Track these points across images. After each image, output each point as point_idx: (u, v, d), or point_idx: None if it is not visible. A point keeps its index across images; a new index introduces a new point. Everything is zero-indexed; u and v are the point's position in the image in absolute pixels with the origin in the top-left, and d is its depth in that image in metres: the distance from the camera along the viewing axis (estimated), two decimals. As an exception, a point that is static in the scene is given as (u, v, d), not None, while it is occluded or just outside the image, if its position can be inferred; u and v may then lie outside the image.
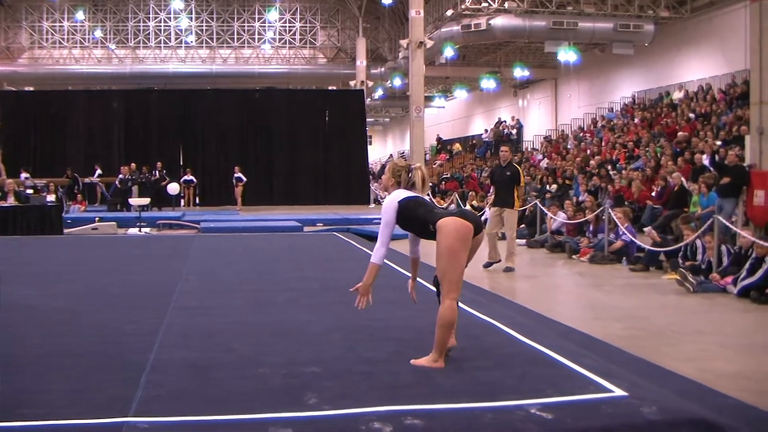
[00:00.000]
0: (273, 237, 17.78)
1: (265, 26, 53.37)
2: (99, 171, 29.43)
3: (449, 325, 5.68)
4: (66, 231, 19.49)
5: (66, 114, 32.78)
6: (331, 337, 6.77)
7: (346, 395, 4.91)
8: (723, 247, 11.46)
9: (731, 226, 12.17)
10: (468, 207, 22.98)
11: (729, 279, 10.59)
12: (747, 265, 10.38)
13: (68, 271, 12.07)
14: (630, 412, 4.62)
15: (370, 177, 37.42)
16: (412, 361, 5.70)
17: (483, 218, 21.32)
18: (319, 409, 4.64)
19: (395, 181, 6.13)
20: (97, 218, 21.35)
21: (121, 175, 27.28)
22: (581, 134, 34.90)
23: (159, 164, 29.40)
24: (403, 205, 5.89)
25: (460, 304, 8.25)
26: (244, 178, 30.13)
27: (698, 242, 11.98)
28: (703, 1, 31.91)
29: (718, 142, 19.76)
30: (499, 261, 13.23)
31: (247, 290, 9.67)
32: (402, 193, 5.98)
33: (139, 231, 20.13)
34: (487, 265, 13.19)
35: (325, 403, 4.75)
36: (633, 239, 13.78)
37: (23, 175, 27.01)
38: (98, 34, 51.27)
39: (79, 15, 50.53)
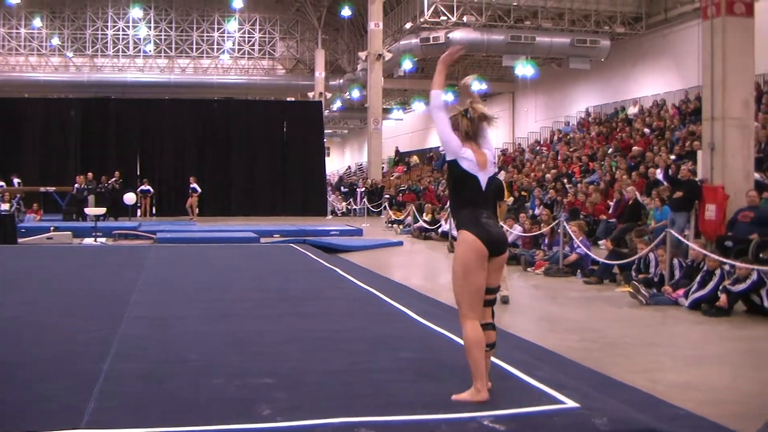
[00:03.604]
0: (230, 248, 17.69)
1: (224, 36, 53.26)
2: (17, 180, 28.87)
3: (478, 345, 5.06)
4: (20, 240, 19.24)
5: (22, 122, 32.35)
6: (285, 348, 6.76)
7: (300, 406, 4.91)
8: (675, 261, 11.61)
9: (683, 240, 12.33)
10: (423, 220, 23.04)
11: (681, 292, 10.73)
12: (698, 278, 10.53)
13: (22, 281, 11.91)
14: (582, 423, 4.67)
15: (328, 188, 37.43)
16: (454, 397, 5.09)
17: (440, 230, 21.51)
18: (273, 421, 4.64)
19: (458, 134, 5.20)
20: (52, 228, 21.10)
21: (77, 185, 27.00)
22: (538, 148, 35.17)
23: (117, 173, 29.10)
24: (460, 172, 5.21)
25: (415, 315, 8.31)
26: (199, 189, 29.95)
27: (651, 255, 12.12)
28: (658, 18, 32.44)
29: (672, 157, 20.02)
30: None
31: (202, 301, 9.62)
32: (466, 156, 5.17)
33: (95, 241, 19.94)
34: None
35: (279, 414, 4.74)
36: (587, 252, 13.90)
37: (15, 180, 26.88)
38: (55, 41, 50.85)
39: (36, 22, 50.09)
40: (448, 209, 21.11)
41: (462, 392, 5.08)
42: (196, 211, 29.97)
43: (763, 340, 8.65)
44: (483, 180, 5.21)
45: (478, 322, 5.10)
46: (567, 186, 22.81)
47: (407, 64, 36.66)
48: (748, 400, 6.12)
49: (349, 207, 36.71)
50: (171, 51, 52.61)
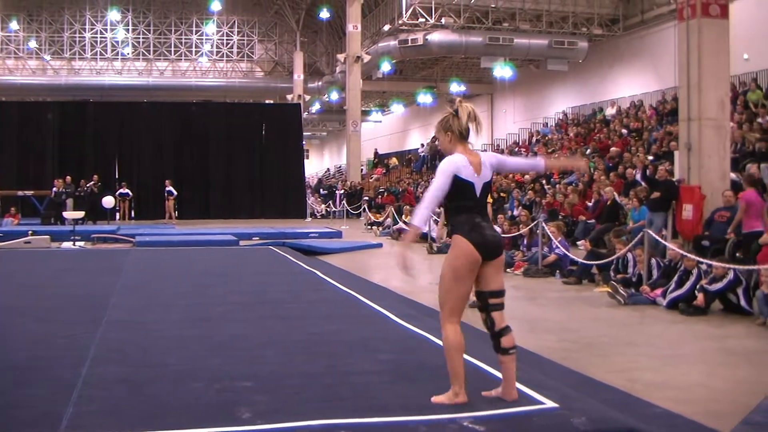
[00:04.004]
0: (209, 251, 17.65)
1: (202, 39, 53.09)
2: None
3: (457, 349, 5.05)
4: (-3, 244, 19.13)
5: (-1, 125, 32.13)
6: (265, 351, 6.76)
7: (280, 409, 4.92)
8: (653, 260, 11.68)
9: (661, 240, 12.40)
10: (402, 222, 23.05)
11: (658, 291, 10.80)
12: (675, 278, 10.61)
13: (-1, 286, 11.87)
14: (560, 423, 4.70)
15: (307, 191, 37.39)
16: (433, 399, 5.11)
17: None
18: (253, 424, 4.65)
19: (452, 135, 5.18)
20: (30, 231, 20.96)
21: (55, 188, 26.87)
22: (516, 149, 35.26)
23: (95, 177, 28.91)
24: (456, 183, 5.06)
25: (394, 317, 8.33)
26: (175, 192, 29.86)
27: (629, 255, 12.18)
28: (634, 20, 32.61)
29: (650, 157, 20.11)
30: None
31: (181, 304, 9.60)
32: (462, 163, 5.07)
33: (74, 245, 19.83)
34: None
35: (259, 417, 4.75)
36: (566, 253, 13.96)
37: None
38: (33, 44, 50.53)
39: (13, 25, 49.73)
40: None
41: (441, 394, 5.10)
42: (175, 214, 29.88)
43: (739, 338, 8.71)
44: (478, 187, 5.13)
45: (458, 327, 5.07)
46: (545, 187, 22.87)
47: (386, 66, 36.68)
48: (724, 398, 6.17)
49: (328, 209, 36.66)
50: (149, 54, 52.40)
